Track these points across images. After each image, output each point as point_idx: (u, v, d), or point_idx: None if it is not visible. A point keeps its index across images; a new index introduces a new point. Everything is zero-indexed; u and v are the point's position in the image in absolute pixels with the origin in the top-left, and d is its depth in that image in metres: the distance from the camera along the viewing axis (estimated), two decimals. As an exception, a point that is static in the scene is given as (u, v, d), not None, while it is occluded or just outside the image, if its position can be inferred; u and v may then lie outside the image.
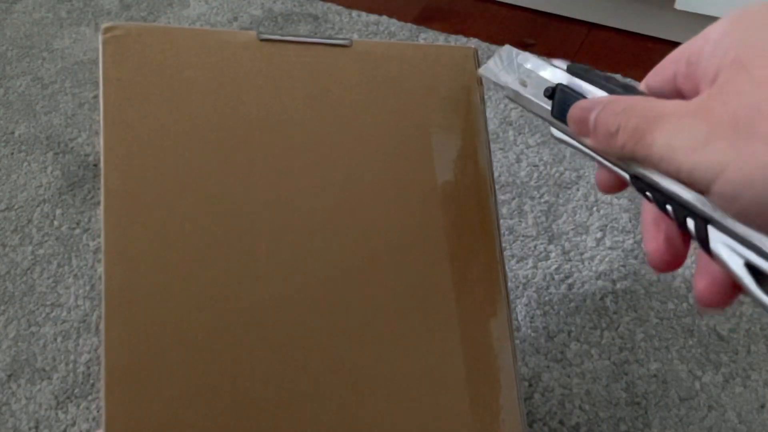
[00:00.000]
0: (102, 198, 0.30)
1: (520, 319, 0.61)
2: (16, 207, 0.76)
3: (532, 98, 0.33)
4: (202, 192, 0.31)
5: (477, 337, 0.37)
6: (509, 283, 0.64)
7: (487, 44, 0.89)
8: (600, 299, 0.62)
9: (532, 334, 0.60)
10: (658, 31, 0.90)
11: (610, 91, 0.28)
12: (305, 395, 0.32)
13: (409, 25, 0.95)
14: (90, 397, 0.59)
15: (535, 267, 0.65)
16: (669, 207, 0.25)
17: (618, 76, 0.82)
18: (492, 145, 0.77)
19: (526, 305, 0.62)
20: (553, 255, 0.66)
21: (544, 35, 0.94)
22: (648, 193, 0.26)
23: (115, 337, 0.29)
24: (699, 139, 0.20)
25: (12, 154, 0.82)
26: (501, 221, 0.70)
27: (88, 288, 0.67)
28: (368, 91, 0.36)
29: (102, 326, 0.29)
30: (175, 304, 0.30)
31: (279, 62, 0.34)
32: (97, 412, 0.58)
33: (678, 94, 0.25)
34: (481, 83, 0.40)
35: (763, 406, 0.54)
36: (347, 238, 0.34)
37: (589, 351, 0.59)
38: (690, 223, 0.24)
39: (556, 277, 0.64)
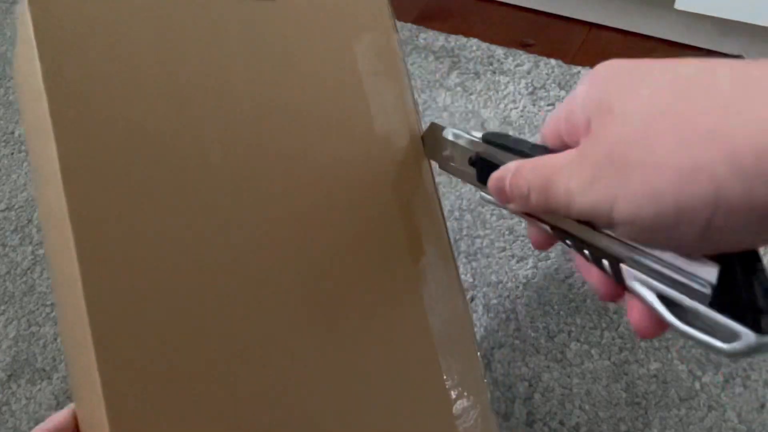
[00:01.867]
0: (58, 160, 0.28)
1: (520, 319, 0.61)
2: (16, 207, 0.76)
3: (459, 167, 0.36)
4: (156, 142, 0.31)
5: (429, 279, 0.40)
6: (510, 283, 0.64)
7: (487, 44, 0.89)
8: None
9: (533, 334, 0.60)
10: (658, 31, 0.90)
11: (521, 155, 0.30)
12: (288, 347, 0.33)
13: (409, 25, 0.95)
14: (90, 397, 0.59)
15: (535, 267, 0.65)
16: (586, 251, 0.27)
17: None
18: (492, 145, 0.77)
19: (527, 305, 0.62)
20: (553, 255, 0.66)
21: (544, 35, 0.94)
22: (568, 241, 0.29)
23: (96, 301, 0.28)
24: (587, 180, 0.23)
25: (12, 154, 0.82)
26: (501, 221, 0.70)
27: (88, 288, 0.67)
28: (300, 40, 0.38)
29: (80, 293, 0.28)
30: (154, 260, 0.30)
31: (213, 15, 0.35)
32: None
33: (567, 148, 0.27)
34: (397, 30, 0.43)
35: (763, 406, 0.54)
36: (299, 178, 0.36)
37: (589, 351, 0.59)
38: (605, 263, 0.26)
39: (556, 277, 0.64)
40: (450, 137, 0.37)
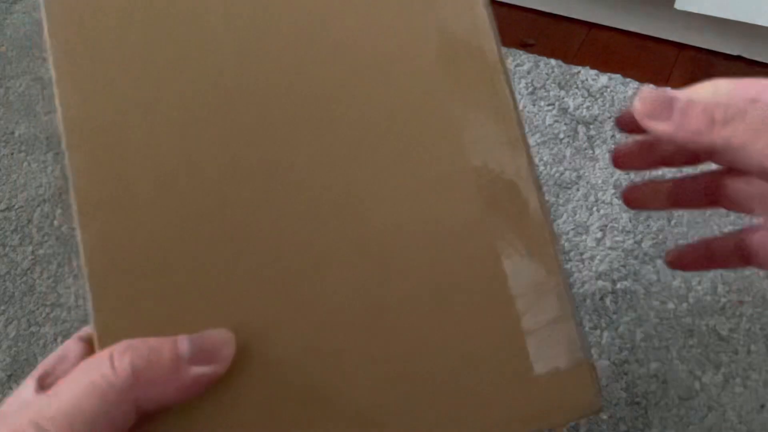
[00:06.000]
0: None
1: (520, 319, 0.62)
2: (16, 207, 0.76)
3: None
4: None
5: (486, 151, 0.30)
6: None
7: (487, 44, 0.89)
8: (600, 299, 0.62)
9: (532, 334, 0.60)
10: (658, 31, 0.90)
11: None
12: (299, 216, 0.28)
13: (409, 25, 0.95)
14: (90, 397, 0.59)
15: (535, 267, 0.65)
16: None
17: (618, 77, 0.82)
18: (492, 145, 0.77)
19: (526, 305, 0.62)
20: (553, 255, 0.66)
21: (544, 35, 0.94)
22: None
23: (81, 168, 0.26)
24: None
25: (12, 154, 0.82)
26: (501, 221, 0.70)
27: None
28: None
29: (66, 160, 0.26)
30: (143, 125, 0.27)
31: None
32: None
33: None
34: None
35: (763, 406, 0.54)
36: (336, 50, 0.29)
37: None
38: None
39: (556, 277, 0.64)
40: None
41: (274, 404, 0.27)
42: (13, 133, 0.85)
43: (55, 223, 0.73)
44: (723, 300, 0.61)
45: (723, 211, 0.67)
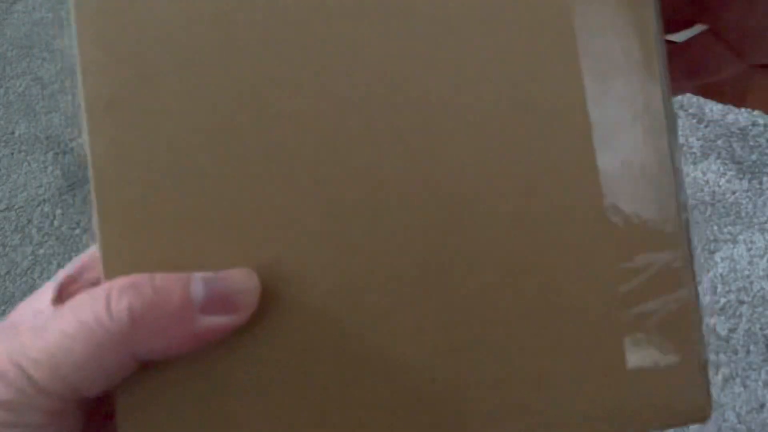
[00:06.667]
0: None
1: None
2: (16, 207, 0.76)
3: None
4: None
5: None
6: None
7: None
8: (600, 299, 0.62)
9: (532, 334, 0.60)
10: (658, 31, 0.91)
11: None
12: (354, 136, 0.22)
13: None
14: (90, 397, 0.59)
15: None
16: None
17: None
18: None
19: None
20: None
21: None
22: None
23: (91, 58, 0.21)
24: None
25: (12, 154, 0.83)
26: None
27: (88, 288, 0.67)
28: None
29: (75, 47, 0.21)
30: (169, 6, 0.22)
31: None
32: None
33: None
34: None
35: (762, 406, 0.54)
36: None
37: (588, 351, 0.59)
38: None
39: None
40: None
41: (302, 363, 0.21)
42: (13, 133, 0.85)
43: (55, 223, 0.74)
44: (723, 300, 0.61)
45: (723, 210, 0.67)
